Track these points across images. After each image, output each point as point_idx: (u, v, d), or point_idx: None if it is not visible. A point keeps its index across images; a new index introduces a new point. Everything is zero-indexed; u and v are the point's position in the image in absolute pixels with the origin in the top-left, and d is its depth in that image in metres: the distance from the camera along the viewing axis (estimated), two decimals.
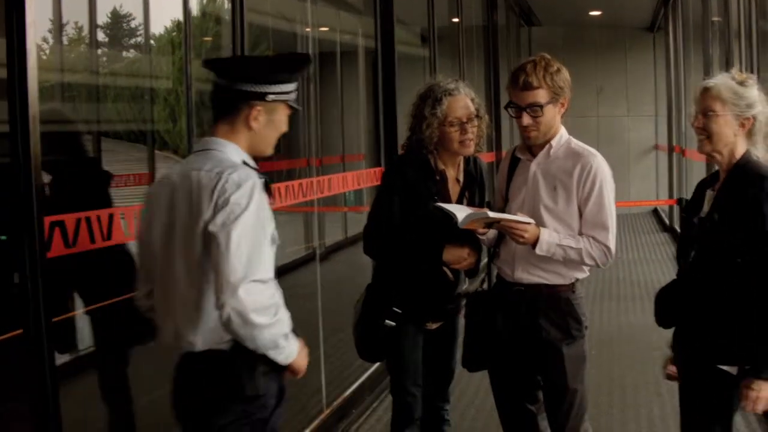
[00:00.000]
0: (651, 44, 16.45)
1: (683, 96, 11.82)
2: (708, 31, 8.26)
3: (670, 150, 13.58)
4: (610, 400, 5.59)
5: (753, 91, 3.09)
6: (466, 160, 3.85)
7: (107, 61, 5.14)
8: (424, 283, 3.74)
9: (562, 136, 3.53)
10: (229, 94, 2.66)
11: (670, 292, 3.22)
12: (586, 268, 3.52)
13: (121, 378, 3.81)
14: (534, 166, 3.54)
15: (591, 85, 16.10)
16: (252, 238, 2.48)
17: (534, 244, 3.39)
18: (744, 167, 3.07)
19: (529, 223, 3.38)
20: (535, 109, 3.40)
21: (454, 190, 3.80)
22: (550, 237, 3.40)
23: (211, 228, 2.49)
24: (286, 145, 8.35)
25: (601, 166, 3.46)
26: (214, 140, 2.69)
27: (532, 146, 3.54)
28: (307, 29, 7.38)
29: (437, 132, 3.69)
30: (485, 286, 3.73)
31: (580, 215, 3.46)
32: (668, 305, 3.21)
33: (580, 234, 3.46)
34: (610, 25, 16.27)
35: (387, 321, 3.54)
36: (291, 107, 2.75)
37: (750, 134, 3.09)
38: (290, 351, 2.60)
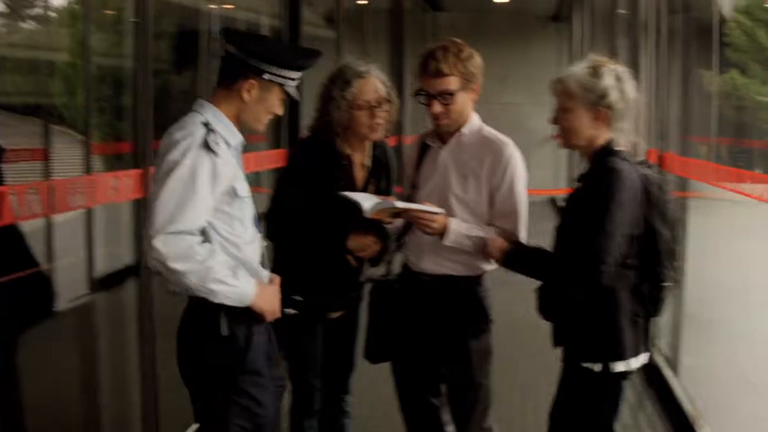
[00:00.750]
0: (554, 34, 16.62)
1: None
2: (614, 23, 8.29)
3: None
4: (510, 391, 5.64)
5: (605, 80, 3.02)
6: (374, 145, 3.78)
7: (6, 32, 4.90)
8: (326, 270, 3.67)
9: (474, 123, 3.49)
10: (232, 62, 2.85)
11: (545, 285, 3.17)
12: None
13: (10, 364, 3.68)
14: (444, 153, 3.49)
15: (495, 73, 16.18)
16: (180, 193, 2.66)
17: (442, 234, 3.33)
18: (599, 159, 3.04)
19: (437, 213, 3.33)
20: (446, 96, 3.35)
21: (360, 175, 3.73)
22: (458, 227, 3.35)
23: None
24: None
25: (513, 154, 3.43)
26: (200, 102, 2.88)
27: (442, 133, 3.49)
28: (211, 5, 7.21)
29: (346, 115, 3.61)
30: (389, 275, 3.69)
31: (491, 205, 3.42)
32: (545, 299, 3.18)
33: (490, 224, 3.41)
34: (515, 13, 16.36)
35: (286, 309, 3.42)
36: (286, 93, 2.90)
37: (609, 124, 3.04)
38: (235, 294, 2.78)
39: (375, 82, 3.64)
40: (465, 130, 3.46)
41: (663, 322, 5.55)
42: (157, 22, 4.09)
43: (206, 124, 2.80)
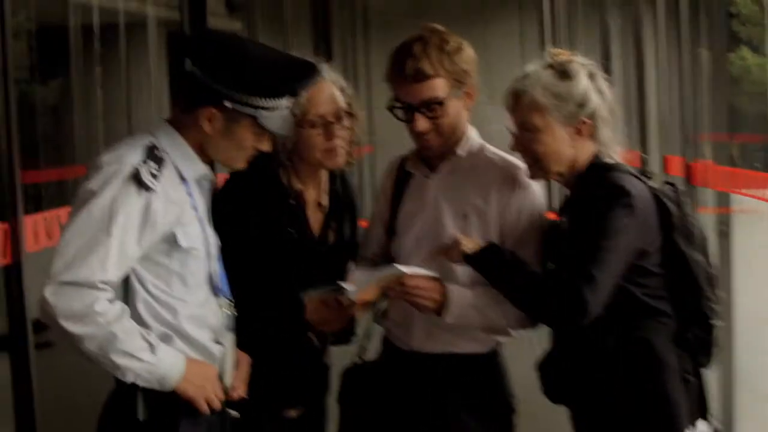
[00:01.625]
0: (517, 15, 16.66)
1: None
2: None
3: None
4: None
5: (580, 81, 3.03)
6: (332, 176, 3.64)
7: None
8: (277, 352, 3.49)
9: (472, 141, 3.37)
10: (186, 81, 2.81)
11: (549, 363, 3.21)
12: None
13: None
14: (434, 184, 3.38)
15: None
16: (88, 234, 2.66)
17: (440, 309, 3.20)
18: (592, 173, 3.07)
19: (433, 278, 3.21)
20: (434, 107, 3.23)
21: (315, 218, 3.60)
22: (461, 296, 3.21)
23: None
24: (54, 149, 7.91)
25: (530, 183, 3.31)
26: (158, 121, 2.89)
27: (430, 157, 3.38)
28: None
29: (292, 136, 3.41)
30: (364, 354, 3.59)
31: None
32: (553, 374, 3.21)
33: None
34: None
35: (229, 410, 3.19)
36: (261, 126, 2.84)
37: (593, 136, 3.07)
38: (150, 373, 2.76)
39: (330, 89, 3.48)
40: (461, 151, 3.34)
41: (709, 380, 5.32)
42: (13, 15, 3.86)
43: (150, 149, 2.79)
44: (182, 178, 2.86)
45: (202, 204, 2.96)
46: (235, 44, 2.96)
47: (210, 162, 2.95)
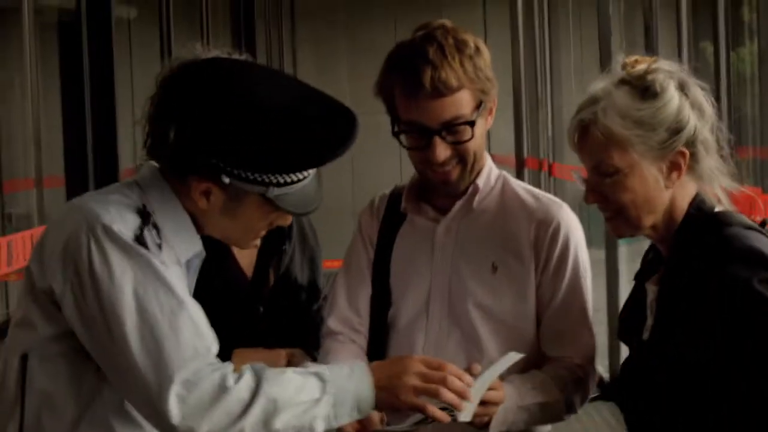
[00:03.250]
0: (480, 2, 16.90)
1: (545, 84, 11.60)
2: None
3: (519, 165, 13.64)
4: None
5: (670, 98, 2.71)
6: None
7: None
8: None
9: (492, 171, 3.30)
10: (172, 147, 2.58)
11: None
12: None
13: None
14: (444, 229, 3.27)
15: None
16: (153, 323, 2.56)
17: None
18: (698, 231, 2.73)
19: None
20: (459, 129, 3.08)
21: (244, 255, 3.56)
22: (507, 398, 3.03)
23: None
24: None
25: (572, 224, 3.25)
26: (146, 171, 2.71)
27: (434, 192, 3.28)
28: None
29: None
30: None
31: (538, 316, 3.23)
32: None
33: (542, 356, 3.23)
34: None
35: None
36: (278, 207, 2.62)
37: (693, 170, 2.74)
38: (335, 407, 2.59)
39: None
40: (481, 183, 3.24)
41: None
42: None
43: (146, 216, 2.59)
44: (176, 259, 2.67)
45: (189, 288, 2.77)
46: (236, 91, 2.65)
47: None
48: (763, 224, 2.78)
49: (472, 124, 3.08)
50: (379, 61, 3.28)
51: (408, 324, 3.24)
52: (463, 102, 3.08)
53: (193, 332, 2.52)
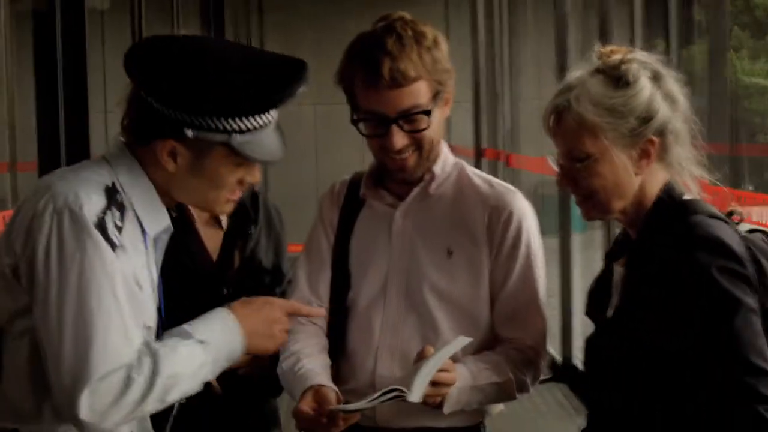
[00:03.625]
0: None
1: (504, 77, 11.69)
2: None
3: (478, 156, 13.48)
4: None
5: (642, 87, 2.70)
6: None
7: None
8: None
9: (447, 159, 3.28)
10: (137, 104, 2.61)
11: None
12: None
13: None
14: (403, 215, 3.26)
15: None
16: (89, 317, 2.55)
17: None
18: (666, 213, 2.74)
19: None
20: (416, 117, 3.08)
21: (210, 235, 3.53)
22: (461, 378, 3.04)
23: None
24: None
25: (525, 211, 3.25)
26: (115, 148, 2.69)
27: (392, 179, 3.27)
28: None
29: None
30: None
31: (494, 301, 3.21)
32: None
33: (495, 338, 3.21)
34: None
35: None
36: (243, 155, 2.62)
37: (663, 158, 2.74)
38: (216, 363, 2.70)
39: None
40: (437, 169, 3.23)
41: None
42: None
43: (112, 192, 2.59)
44: (142, 230, 2.66)
45: (155, 264, 2.78)
46: (189, 49, 2.70)
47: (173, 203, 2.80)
48: (729, 214, 2.76)
49: (428, 113, 3.07)
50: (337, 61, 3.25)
51: (366, 306, 3.22)
52: (420, 92, 3.07)
53: (122, 336, 2.52)
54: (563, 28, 8.06)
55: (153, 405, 2.56)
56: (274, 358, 3.27)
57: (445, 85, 3.12)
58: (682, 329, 2.55)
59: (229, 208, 2.79)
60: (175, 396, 2.60)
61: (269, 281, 3.59)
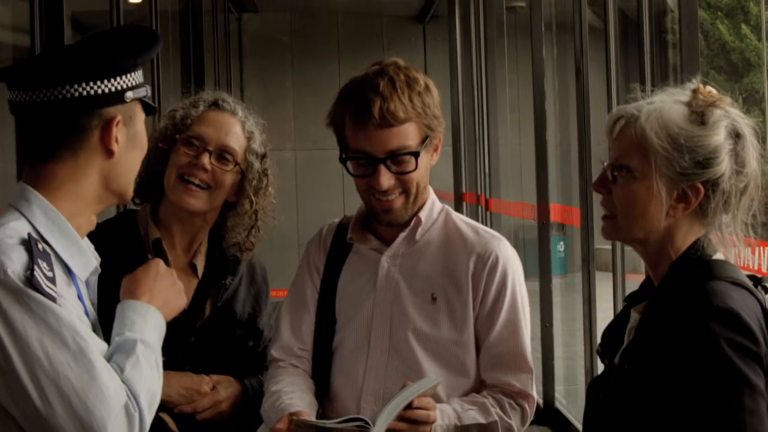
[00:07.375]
0: (421, 40, 16.84)
1: (483, 123, 11.69)
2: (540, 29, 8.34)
3: (458, 199, 13.45)
4: None
5: (715, 133, 2.55)
6: (216, 237, 3.52)
7: None
8: None
9: (435, 205, 3.30)
10: (55, 108, 2.47)
11: None
12: None
13: None
14: (389, 260, 3.27)
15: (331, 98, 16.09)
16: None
17: None
18: (687, 275, 2.57)
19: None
20: (403, 159, 3.10)
21: (184, 284, 3.28)
22: (446, 417, 3.05)
23: None
24: None
25: (511, 258, 3.26)
26: (21, 191, 2.53)
27: (379, 223, 3.28)
28: None
29: (155, 158, 3.39)
30: None
31: (477, 346, 3.22)
32: None
33: (482, 383, 3.22)
34: (359, 13, 16.69)
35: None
36: (150, 105, 2.65)
37: (704, 215, 2.59)
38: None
39: (230, 122, 3.42)
40: (424, 216, 3.24)
41: None
42: None
43: (32, 244, 2.43)
44: (69, 272, 2.54)
45: (91, 307, 2.65)
46: (50, 50, 2.75)
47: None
48: (756, 282, 2.61)
49: (416, 155, 3.09)
50: (323, 98, 3.29)
51: (351, 350, 3.22)
52: (409, 134, 3.09)
53: (108, 378, 2.42)
54: (540, 74, 8.11)
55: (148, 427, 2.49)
56: (233, 404, 3.36)
57: (434, 131, 3.14)
58: (681, 398, 2.43)
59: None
60: (155, 407, 2.54)
61: (241, 334, 3.53)
